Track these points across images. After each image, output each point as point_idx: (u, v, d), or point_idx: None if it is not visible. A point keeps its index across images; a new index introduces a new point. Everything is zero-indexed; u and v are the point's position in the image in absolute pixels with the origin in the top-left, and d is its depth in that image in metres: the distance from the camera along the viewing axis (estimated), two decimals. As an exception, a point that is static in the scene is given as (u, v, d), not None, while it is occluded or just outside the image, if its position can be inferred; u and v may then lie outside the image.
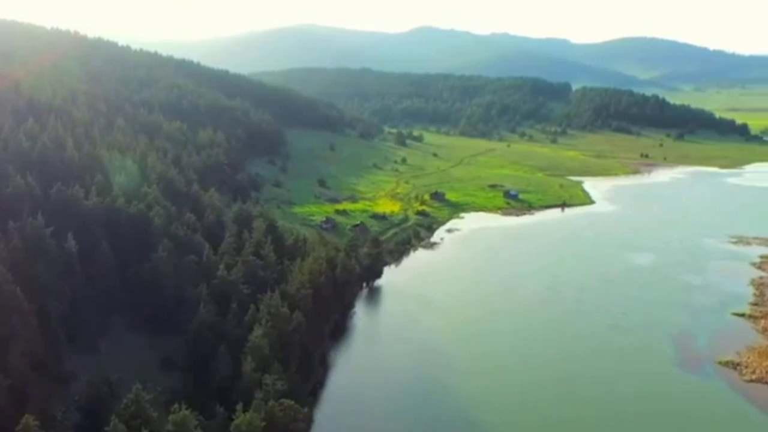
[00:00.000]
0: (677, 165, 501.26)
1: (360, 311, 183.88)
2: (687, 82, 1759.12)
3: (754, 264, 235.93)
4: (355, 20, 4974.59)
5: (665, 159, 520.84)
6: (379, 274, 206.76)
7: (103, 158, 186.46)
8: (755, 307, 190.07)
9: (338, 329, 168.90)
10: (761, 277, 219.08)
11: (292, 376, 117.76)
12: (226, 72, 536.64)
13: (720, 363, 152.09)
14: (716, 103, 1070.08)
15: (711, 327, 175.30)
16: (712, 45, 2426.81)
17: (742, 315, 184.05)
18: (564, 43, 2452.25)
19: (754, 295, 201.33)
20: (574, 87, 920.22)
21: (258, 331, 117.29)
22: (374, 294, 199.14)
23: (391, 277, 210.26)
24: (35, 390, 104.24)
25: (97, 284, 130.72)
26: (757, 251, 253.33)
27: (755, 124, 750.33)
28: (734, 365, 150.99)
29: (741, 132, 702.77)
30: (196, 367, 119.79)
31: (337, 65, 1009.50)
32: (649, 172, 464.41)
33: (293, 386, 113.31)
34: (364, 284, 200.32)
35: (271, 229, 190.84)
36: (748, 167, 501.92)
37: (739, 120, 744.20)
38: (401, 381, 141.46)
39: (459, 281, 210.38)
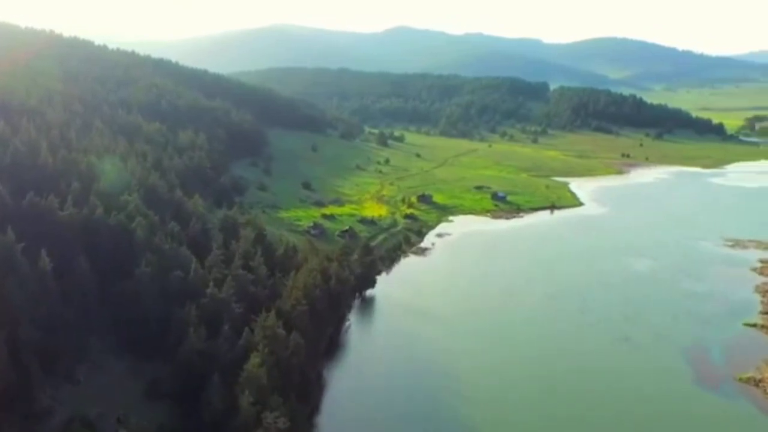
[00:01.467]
0: (659, 165, 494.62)
1: (354, 324, 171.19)
2: (657, 81, 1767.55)
3: (755, 269, 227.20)
4: (330, 20, 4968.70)
5: (647, 159, 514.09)
6: (372, 283, 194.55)
7: (80, 163, 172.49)
8: (766, 317, 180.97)
9: (333, 344, 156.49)
10: (765, 283, 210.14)
11: (293, 405, 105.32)
12: (205, 72, 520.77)
13: (740, 380, 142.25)
14: (688, 102, 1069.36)
15: (723, 339, 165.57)
16: (681, 45, 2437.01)
17: (754, 325, 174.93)
18: (537, 43, 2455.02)
19: (763, 303, 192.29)
20: (550, 86, 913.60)
21: (255, 360, 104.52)
22: (368, 304, 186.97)
23: (383, 285, 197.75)
24: (5, 431, 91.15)
25: (75, 305, 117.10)
26: (755, 255, 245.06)
27: (729, 124, 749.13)
28: (756, 382, 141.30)
29: (717, 131, 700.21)
30: (186, 398, 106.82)
31: (314, 65, 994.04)
32: (633, 172, 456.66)
33: (294, 419, 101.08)
34: (357, 294, 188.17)
35: (260, 237, 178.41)
36: (730, 167, 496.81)
37: (713, 120, 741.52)
38: (401, 402, 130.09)
39: (455, 291, 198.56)
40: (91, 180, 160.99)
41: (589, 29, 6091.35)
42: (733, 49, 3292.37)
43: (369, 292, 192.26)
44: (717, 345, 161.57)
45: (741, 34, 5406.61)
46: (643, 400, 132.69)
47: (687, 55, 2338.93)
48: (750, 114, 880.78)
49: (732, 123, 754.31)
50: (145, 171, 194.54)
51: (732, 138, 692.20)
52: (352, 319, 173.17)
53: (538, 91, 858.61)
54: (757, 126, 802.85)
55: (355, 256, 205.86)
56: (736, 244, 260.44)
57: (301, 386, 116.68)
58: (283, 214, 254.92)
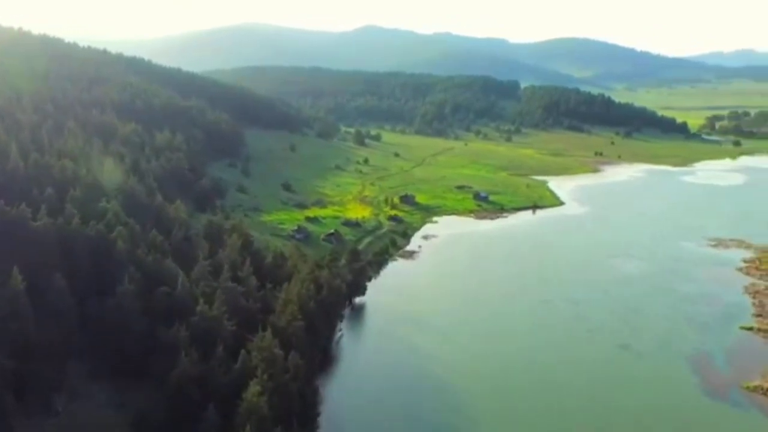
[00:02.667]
0: (631, 163, 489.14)
1: (346, 334, 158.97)
2: (618, 81, 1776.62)
3: (740, 269, 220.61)
4: (300, 19, 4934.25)
5: (619, 157, 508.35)
6: (362, 290, 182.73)
7: (53, 168, 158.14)
8: (761, 320, 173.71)
9: (326, 357, 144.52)
10: (753, 284, 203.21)
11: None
12: (179, 70, 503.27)
13: (748, 388, 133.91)
14: (648, 102, 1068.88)
15: (723, 344, 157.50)
16: (639, 47, 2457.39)
17: (750, 329, 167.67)
18: (503, 43, 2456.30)
19: (754, 305, 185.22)
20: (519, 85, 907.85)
21: (255, 388, 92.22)
22: (358, 313, 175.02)
23: (373, 291, 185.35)
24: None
25: (51, 327, 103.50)
26: (737, 254, 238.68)
27: (689, 123, 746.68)
28: (763, 391, 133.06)
29: (681, 130, 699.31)
30: (177, 430, 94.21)
31: (286, 64, 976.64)
32: (607, 170, 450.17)
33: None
34: (347, 302, 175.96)
35: (247, 245, 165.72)
36: (698, 165, 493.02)
37: (675, 119, 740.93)
38: (402, 418, 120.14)
39: (447, 297, 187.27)
40: (66, 186, 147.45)
41: (553, 29, 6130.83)
42: (687, 51, 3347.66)
43: (359, 300, 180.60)
44: (718, 351, 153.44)
45: (693, 36, 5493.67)
46: (654, 411, 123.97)
47: (645, 55, 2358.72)
48: (705, 113, 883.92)
49: (692, 122, 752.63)
50: (122, 174, 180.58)
51: (695, 136, 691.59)
52: (344, 329, 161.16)
53: (509, 89, 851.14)
54: (717, 125, 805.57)
55: (343, 261, 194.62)
56: (719, 243, 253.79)
57: (302, 411, 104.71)
58: (266, 218, 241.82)
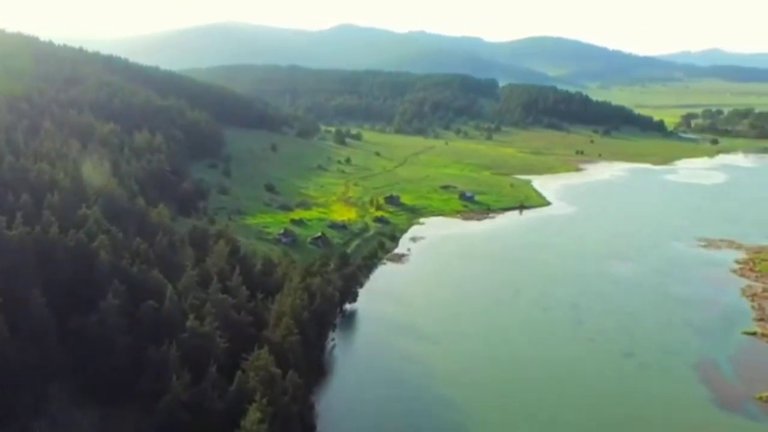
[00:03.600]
0: (612, 161, 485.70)
1: (338, 344, 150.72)
2: (592, 79, 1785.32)
3: (734, 271, 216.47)
4: (276, 18, 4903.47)
5: (600, 155, 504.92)
6: (353, 296, 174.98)
7: (30, 171, 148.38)
8: (763, 324, 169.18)
9: (319, 370, 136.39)
10: (750, 287, 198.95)
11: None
12: (157, 69, 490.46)
13: (761, 399, 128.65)
14: (622, 100, 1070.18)
15: (728, 351, 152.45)
16: (611, 45, 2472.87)
17: (753, 333, 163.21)
18: (478, 42, 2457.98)
19: (753, 308, 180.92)
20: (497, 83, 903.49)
21: (255, 415, 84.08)
22: (350, 321, 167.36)
23: (364, 298, 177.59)
24: None
25: (29, 347, 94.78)
26: (729, 255, 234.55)
27: (665, 121, 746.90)
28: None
29: (659, 128, 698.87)
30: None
31: (263, 62, 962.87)
32: (590, 169, 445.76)
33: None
34: (338, 309, 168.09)
35: (234, 251, 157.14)
36: (678, 164, 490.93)
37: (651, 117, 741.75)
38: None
39: (440, 303, 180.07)
40: (43, 191, 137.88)
41: (526, 28, 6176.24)
42: (657, 50, 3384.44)
43: (350, 306, 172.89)
44: (723, 359, 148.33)
45: (663, 36, 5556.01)
46: (667, 426, 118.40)
47: (617, 54, 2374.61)
48: (679, 111, 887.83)
49: (667, 120, 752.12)
50: (102, 177, 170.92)
51: (672, 135, 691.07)
52: (336, 338, 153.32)
53: (487, 88, 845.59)
54: (693, 123, 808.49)
55: (332, 266, 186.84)
56: (709, 244, 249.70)
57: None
58: (250, 221, 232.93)
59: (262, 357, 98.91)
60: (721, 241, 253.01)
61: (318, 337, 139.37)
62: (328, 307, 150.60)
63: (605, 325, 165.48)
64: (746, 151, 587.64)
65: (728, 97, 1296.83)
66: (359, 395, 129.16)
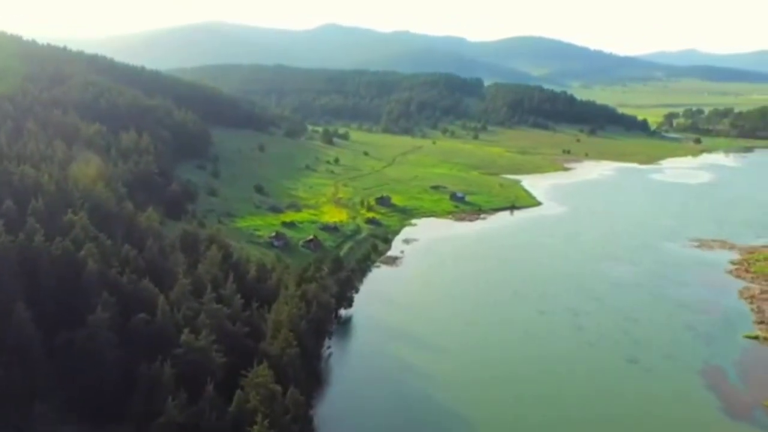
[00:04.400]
0: (599, 161, 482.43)
1: (335, 352, 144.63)
2: (574, 79, 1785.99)
3: (729, 272, 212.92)
4: (260, 17, 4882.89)
5: (586, 155, 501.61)
6: (349, 302, 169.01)
7: (13, 174, 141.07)
8: (763, 327, 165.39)
9: (317, 380, 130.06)
10: (747, 288, 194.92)
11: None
12: (142, 68, 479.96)
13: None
14: (604, 99, 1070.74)
15: (731, 356, 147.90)
16: (592, 45, 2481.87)
17: (755, 337, 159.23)
18: (462, 41, 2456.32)
19: (753, 311, 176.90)
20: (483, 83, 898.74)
21: (256, 439, 77.88)
22: (346, 327, 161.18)
23: (359, 302, 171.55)
24: None
25: (13, 364, 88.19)
26: (723, 256, 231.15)
27: (648, 120, 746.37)
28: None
29: (643, 128, 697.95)
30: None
31: (248, 62, 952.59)
32: (577, 168, 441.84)
33: None
34: (334, 315, 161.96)
35: (227, 257, 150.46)
36: (664, 163, 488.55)
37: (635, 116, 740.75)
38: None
39: (437, 307, 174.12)
40: (27, 195, 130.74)
41: (509, 28, 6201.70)
42: (636, 51, 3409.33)
43: (345, 312, 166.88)
44: (728, 364, 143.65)
45: (641, 36, 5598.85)
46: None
47: (598, 54, 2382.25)
48: (660, 111, 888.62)
49: (649, 119, 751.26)
50: (88, 180, 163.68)
51: (655, 134, 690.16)
52: (332, 346, 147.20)
53: (473, 87, 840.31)
54: (674, 122, 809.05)
55: (326, 270, 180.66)
56: (702, 244, 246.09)
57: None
58: (240, 223, 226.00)
59: (261, 374, 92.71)
60: (714, 241, 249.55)
61: (315, 345, 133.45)
62: (325, 314, 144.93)
63: (605, 330, 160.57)
64: (728, 150, 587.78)
65: (706, 97, 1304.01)
66: (358, 406, 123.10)
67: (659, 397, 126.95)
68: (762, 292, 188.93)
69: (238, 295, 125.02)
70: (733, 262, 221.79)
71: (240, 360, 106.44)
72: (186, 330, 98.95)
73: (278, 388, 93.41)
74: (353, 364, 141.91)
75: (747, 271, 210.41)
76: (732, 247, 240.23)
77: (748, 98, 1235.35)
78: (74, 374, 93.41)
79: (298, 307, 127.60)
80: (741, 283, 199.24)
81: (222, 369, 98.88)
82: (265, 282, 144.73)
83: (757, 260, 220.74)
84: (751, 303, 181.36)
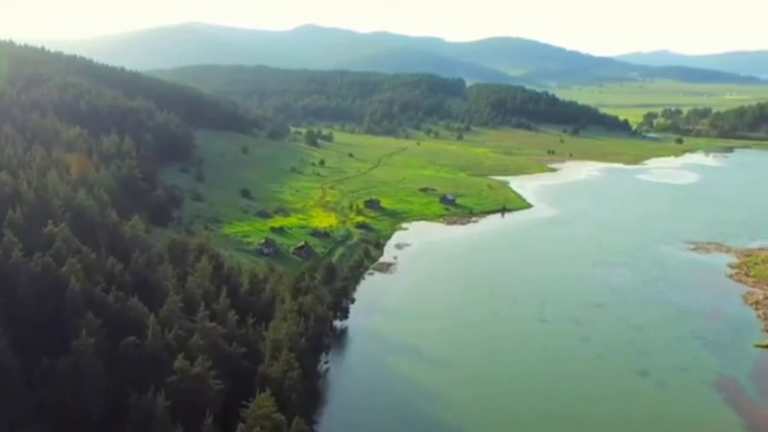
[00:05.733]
0: (584, 161, 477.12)
1: (332, 367, 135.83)
2: (551, 79, 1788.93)
3: (729, 276, 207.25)
4: (238, 18, 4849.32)
5: (571, 155, 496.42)
6: (345, 313, 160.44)
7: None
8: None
9: (318, 399, 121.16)
10: (750, 294, 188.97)
11: None
12: (123, 69, 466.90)
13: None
14: (582, 99, 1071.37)
15: (745, 367, 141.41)
16: (568, 46, 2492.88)
17: (767, 347, 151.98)
18: (440, 42, 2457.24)
19: (759, 318, 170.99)
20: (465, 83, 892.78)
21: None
22: (342, 340, 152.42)
23: (354, 312, 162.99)
24: None
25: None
26: (720, 259, 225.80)
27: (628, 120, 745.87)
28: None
29: (624, 128, 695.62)
30: None
31: (228, 62, 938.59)
32: (563, 169, 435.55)
33: None
34: (330, 328, 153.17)
35: (218, 268, 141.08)
36: (649, 163, 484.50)
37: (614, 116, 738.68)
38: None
39: (435, 318, 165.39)
40: (4, 205, 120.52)
41: (486, 29, 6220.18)
42: (611, 51, 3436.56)
43: (340, 323, 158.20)
44: (743, 376, 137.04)
45: (615, 37, 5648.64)
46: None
47: (574, 54, 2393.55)
48: (637, 111, 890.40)
49: (629, 119, 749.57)
50: (69, 187, 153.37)
51: (637, 134, 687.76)
52: (330, 361, 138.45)
53: (455, 87, 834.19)
54: (654, 122, 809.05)
55: (318, 278, 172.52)
56: (698, 247, 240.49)
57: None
58: (228, 230, 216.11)
59: (263, 404, 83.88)
60: (709, 243, 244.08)
61: (313, 362, 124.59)
62: (323, 329, 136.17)
63: (612, 340, 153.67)
64: (708, 150, 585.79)
65: (681, 97, 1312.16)
66: (360, 423, 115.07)
67: (677, 414, 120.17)
68: (766, 297, 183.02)
69: (233, 311, 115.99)
70: (731, 266, 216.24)
71: (238, 384, 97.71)
72: (180, 356, 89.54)
73: (282, 418, 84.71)
74: (353, 380, 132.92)
75: (747, 275, 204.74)
76: (728, 250, 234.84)
77: (721, 98, 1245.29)
78: (57, 406, 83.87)
79: (296, 323, 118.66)
80: (743, 288, 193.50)
81: (220, 397, 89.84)
82: (258, 295, 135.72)
83: (756, 263, 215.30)
84: (757, 309, 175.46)
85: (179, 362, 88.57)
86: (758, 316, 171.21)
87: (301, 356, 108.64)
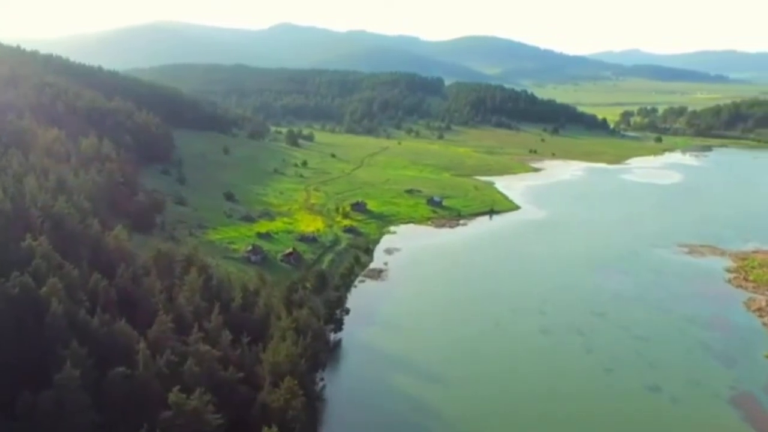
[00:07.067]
0: (566, 160, 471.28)
1: (328, 384, 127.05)
2: (526, 78, 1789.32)
3: (728, 281, 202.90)
4: (214, 17, 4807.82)
5: (553, 155, 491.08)
6: (338, 325, 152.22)
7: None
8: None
9: (316, 419, 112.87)
10: (752, 300, 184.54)
11: None
12: (100, 69, 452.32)
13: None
14: (558, 98, 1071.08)
15: (759, 380, 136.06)
16: (541, 45, 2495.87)
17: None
18: (416, 41, 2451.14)
19: (765, 326, 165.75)
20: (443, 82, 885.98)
21: None
22: (337, 354, 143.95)
23: (347, 323, 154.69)
24: None
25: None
26: (716, 263, 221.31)
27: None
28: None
29: (603, 127, 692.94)
30: None
31: (204, 61, 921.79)
32: (547, 169, 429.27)
33: None
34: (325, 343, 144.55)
35: (208, 281, 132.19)
36: (631, 162, 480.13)
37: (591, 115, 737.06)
38: None
39: (432, 329, 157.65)
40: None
41: (461, 28, 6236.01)
42: (583, 50, 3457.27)
43: (333, 336, 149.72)
44: (759, 390, 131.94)
45: (587, 36, 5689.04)
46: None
47: (549, 53, 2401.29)
48: (613, 109, 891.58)
49: (606, 117, 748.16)
50: (48, 195, 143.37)
51: (615, 133, 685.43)
52: (325, 377, 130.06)
53: (434, 86, 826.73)
54: (631, 121, 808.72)
55: (309, 287, 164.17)
56: (691, 250, 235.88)
57: None
58: (213, 236, 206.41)
59: (269, 440, 75.50)
60: (702, 246, 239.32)
61: (312, 383, 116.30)
62: (319, 345, 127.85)
63: (618, 352, 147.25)
64: (687, 149, 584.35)
65: (654, 95, 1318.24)
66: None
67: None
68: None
69: (226, 331, 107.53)
70: (728, 270, 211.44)
71: (236, 413, 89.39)
72: (175, 389, 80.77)
73: (290, 457, 76.51)
74: (350, 398, 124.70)
75: (746, 279, 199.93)
76: (722, 254, 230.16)
77: (693, 97, 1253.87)
78: (39, 447, 75.06)
79: (294, 342, 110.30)
80: (743, 294, 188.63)
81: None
82: (252, 310, 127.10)
83: (753, 267, 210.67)
84: (761, 316, 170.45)
85: (174, 395, 79.94)
86: (764, 324, 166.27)
87: (302, 380, 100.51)
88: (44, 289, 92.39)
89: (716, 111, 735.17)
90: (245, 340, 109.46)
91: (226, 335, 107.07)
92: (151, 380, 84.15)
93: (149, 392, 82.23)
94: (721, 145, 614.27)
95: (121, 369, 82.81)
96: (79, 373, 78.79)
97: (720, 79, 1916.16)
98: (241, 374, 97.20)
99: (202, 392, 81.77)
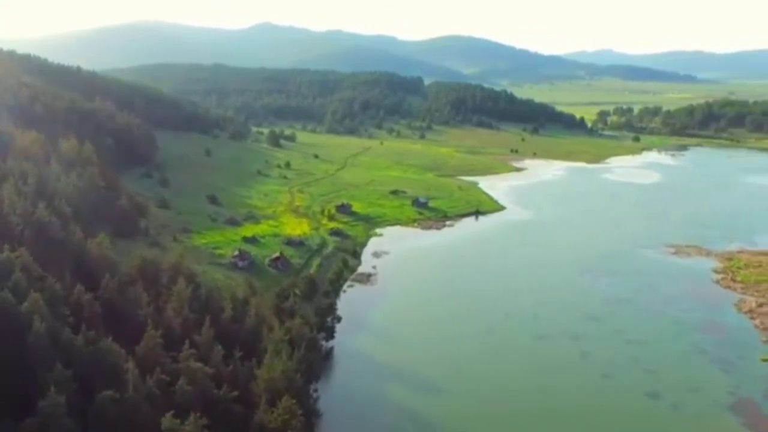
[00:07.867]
0: (548, 160, 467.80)
1: (322, 396, 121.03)
2: (501, 77, 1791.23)
3: (716, 282, 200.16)
4: (192, 17, 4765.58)
5: (535, 154, 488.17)
6: (330, 333, 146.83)
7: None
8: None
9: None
10: (743, 301, 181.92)
11: None
12: (78, 69, 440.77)
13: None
14: (535, 97, 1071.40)
15: (759, 385, 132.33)
16: (516, 44, 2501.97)
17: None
18: (393, 40, 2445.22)
19: (758, 327, 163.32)
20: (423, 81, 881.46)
21: None
22: (329, 364, 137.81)
23: (339, 330, 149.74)
24: None
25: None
26: (703, 264, 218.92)
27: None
28: None
29: (581, 126, 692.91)
30: None
31: (184, 61, 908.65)
32: (529, 169, 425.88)
33: None
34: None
35: (196, 291, 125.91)
36: (611, 162, 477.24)
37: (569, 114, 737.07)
38: None
39: (426, 336, 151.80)
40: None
41: (436, 27, 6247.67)
42: (557, 50, 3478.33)
43: (325, 344, 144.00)
44: (760, 396, 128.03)
45: (562, 35, 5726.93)
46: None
47: (524, 53, 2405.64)
48: (588, 108, 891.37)
49: (588, 118, 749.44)
50: (27, 201, 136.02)
51: (594, 132, 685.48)
52: (319, 389, 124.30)
53: (414, 86, 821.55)
54: (608, 120, 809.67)
55: (298, 293, 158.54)
56: (677, 250, 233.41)
57: None
58: (198, 241, 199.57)
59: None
60: (688, 247, 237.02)
61: (307, 396, 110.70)
62: (313, 356, 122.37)
63: (613, 357, 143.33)
64: (663, 148, 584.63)
65: (628, 95, 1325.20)
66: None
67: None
68: (759, 305, 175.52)
69: (219, 346, 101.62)
70: (716, 271, 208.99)
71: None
72: (169, 414, 74.78)
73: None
74: (347, 412, 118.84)
75: (734, 280, 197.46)
76: (708, 254, 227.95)
77: (665, 96, 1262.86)
78: (21, 480, 68.86)
79: (289, 356, 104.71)
80: (733, 295, 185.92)
81: (215, 458, 75.73)
82: (243, 321, 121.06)
83: (739, 268, 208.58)
84: (753, 318, 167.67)
85: (168, 421, 74.00)
86: (756, 326, 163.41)
87: (299, 397, 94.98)
88: (25, 304, 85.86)
89: (690, 111, 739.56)
90: (237, 354, 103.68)
91: (218, 350, 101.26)
92: (141, 403, 78.12)
93: (140, 417, 76.25)
94: (697, 144, 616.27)
95: (109, 392, 76.59)
96: (64, 399, 72.50)
97: (689, 78, 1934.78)
98: (236, 392, 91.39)
99: (197, 417, 75.82)
